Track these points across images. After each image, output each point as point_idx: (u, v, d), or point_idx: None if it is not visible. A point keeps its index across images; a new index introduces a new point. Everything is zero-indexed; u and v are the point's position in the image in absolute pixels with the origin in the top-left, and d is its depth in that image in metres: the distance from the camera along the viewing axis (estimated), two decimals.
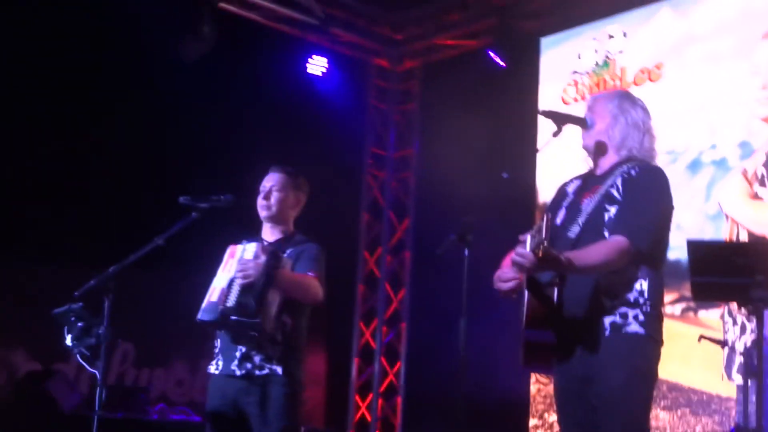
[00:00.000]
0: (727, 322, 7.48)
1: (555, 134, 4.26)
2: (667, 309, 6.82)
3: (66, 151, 8.74)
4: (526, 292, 3.97)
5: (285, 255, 5.11)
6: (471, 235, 3.78)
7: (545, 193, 9.19)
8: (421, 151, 11.18)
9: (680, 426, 7.76)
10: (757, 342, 3.89)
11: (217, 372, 5.13)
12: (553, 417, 8.54)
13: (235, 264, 5.03)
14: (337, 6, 10.48)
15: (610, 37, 8.93)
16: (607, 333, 3.98)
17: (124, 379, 9.48)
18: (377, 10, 10.82)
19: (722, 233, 7.68)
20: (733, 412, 7.28)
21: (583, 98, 8.91)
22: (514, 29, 9.66)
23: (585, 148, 4.32)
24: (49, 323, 4.88)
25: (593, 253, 3.94)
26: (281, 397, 5.01)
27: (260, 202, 5.32)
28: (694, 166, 8.08)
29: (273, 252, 5.02)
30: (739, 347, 6.57)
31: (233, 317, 4.92)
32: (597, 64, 9.02)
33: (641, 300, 4.01)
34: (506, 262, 4.14)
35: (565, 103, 9.06)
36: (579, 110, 4.44)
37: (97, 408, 4.62)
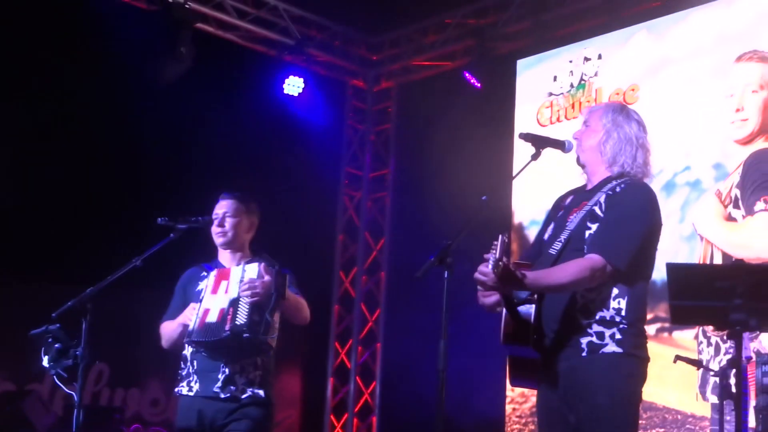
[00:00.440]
0: (702, 343, 7.51)
1: (534, 157, 4.25)
2: None
3: (42, 170, 8.70)
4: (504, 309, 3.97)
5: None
6: (450, 258, 3.77)
7: (521, 213, 9.22)
8: (396, 172, 11.19)
9: None
10: (736, 364, 3.89)
11: (191, 393, 5.11)
12: None
13: (235, 285, 5.02)
14: (314, 27, 10.51)
15: (586, 59, 8.99)
16: (584, 353, 3.94)
17: (99, 399, 9.42)
18: (354, 31, 10.85)
19: (696, 254, 7.71)
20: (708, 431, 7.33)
21: (558, 120, 8.95)
22: (490, 51, 9.71)
23: (578, 162, 4.30)
24: (22, 343, 4.85)
25: (560, 272, 3.92)
26: (263, 419, 5.09)
27: (215, 229, 5.31)
28: (669, 187, 8.13)
29: (279, 271, 5.03)
30: (714, 367, 6.60)
31: (246, 335, 4.91)
32: (572, 85, 9.06)
33: (617, 318, 3.97)
34: None
35: (540, 125, 9.09)
36: (555, 132, 4.46)
37: (74, 429, 4.59)
